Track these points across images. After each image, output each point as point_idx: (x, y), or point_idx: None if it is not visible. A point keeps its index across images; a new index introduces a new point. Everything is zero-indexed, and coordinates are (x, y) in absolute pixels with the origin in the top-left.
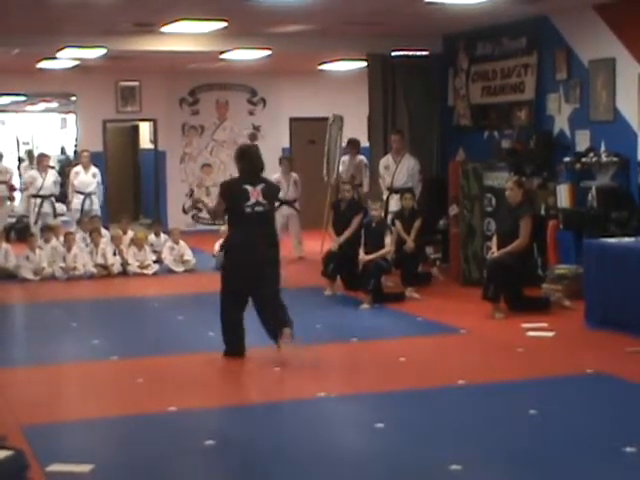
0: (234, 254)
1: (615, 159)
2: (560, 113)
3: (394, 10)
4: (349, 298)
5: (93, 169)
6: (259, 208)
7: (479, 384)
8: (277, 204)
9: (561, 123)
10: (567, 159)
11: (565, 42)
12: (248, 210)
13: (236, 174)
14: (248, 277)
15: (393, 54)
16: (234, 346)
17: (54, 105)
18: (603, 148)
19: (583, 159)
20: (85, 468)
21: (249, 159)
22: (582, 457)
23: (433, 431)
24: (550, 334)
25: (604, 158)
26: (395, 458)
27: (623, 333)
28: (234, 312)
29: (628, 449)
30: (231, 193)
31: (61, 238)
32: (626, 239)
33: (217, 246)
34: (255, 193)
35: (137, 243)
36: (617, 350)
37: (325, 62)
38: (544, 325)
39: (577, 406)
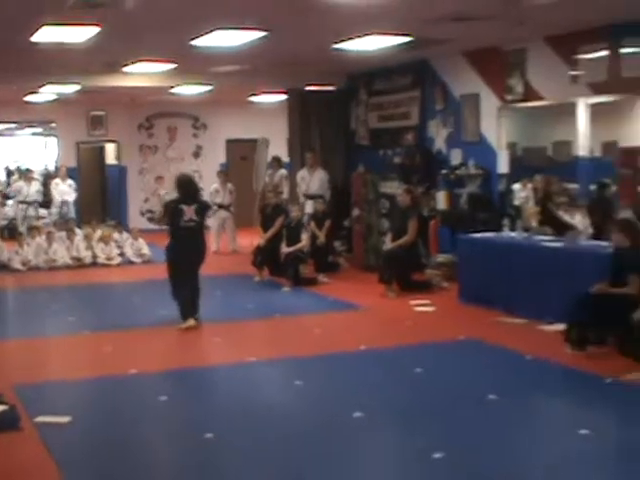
0: (174, 257)
1: (480, 172)
2: (438, 135)
3: (309, 55)
4: (274, 283)
5: (69, 181)
6: (191, 223)
7: (377, 349)
8: (214, 210)
9: (439, 143)
10: (444, 171)
11: (441, 80)
12: (183, 224)
13: None
14: (183, 271)
15: (307, 89)
16: (188, 313)
17: (38, 130)
18: (471, 163)
19: (456, 171)
20: (64, 419)
21: (184, 187)
22: (456, 404)
23: (341, 386)
24: (432, 309)
25: (472, 171)
26: (311, 407)
27: (488, 307)
28: (180, 291)
29: (491, 396)
30: (171, 211)
31: (43, 236)
32: (489, 234)
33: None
34: (189, 211)
35: (104, 240)
36: (484, 320)
37: (253, 94)
38: (427, 302)
39: (453, 364)
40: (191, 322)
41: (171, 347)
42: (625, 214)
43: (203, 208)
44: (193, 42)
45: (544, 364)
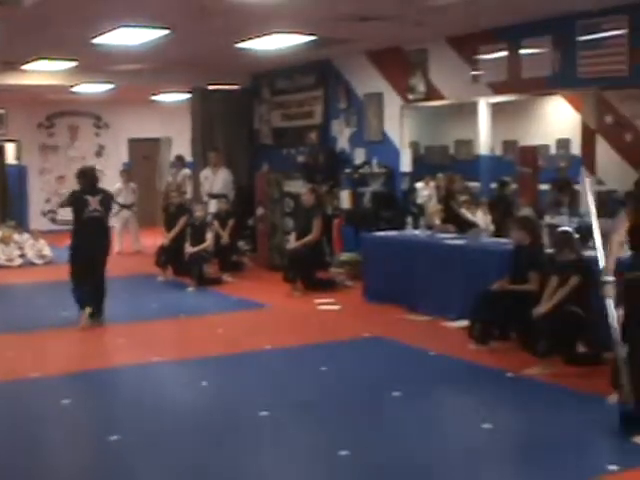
0: (77, 250)
1: (384, 170)
2: (342, 135)
3: (212, 54)
4: (178, 283)
5: None
6: (96, 214)
7: (282, 348)
8: (117, 209)
9: (343, 142)
10: (348, 170)
11: (344, 79)
12: (87, 215)
13: None
14: (87, 265)
15: (211, 88)
16: (85, 302)
17: None
18: (375, 162)
19: (360, 170)
20: None
21: (87, 177)
22: (362, 401)
23: (246, 386)
24: (336, 307)
25: (376, 169)
26: (216, 407)
27: (392, 305)
28: (81, 285)
29: (395, 393)
30: (75, 201)
31: None
32: (392, 232)
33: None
34: (94, 202)
35: (4, 241)
36: (388, 318)
37: (155, 93)
38: (332, 300)
39: (358, 362)
40: (88, 310)
41: (74, 349)
42: (525, 212)
43: (107, 199)
44: (95, 40)
45: (448, 360)
